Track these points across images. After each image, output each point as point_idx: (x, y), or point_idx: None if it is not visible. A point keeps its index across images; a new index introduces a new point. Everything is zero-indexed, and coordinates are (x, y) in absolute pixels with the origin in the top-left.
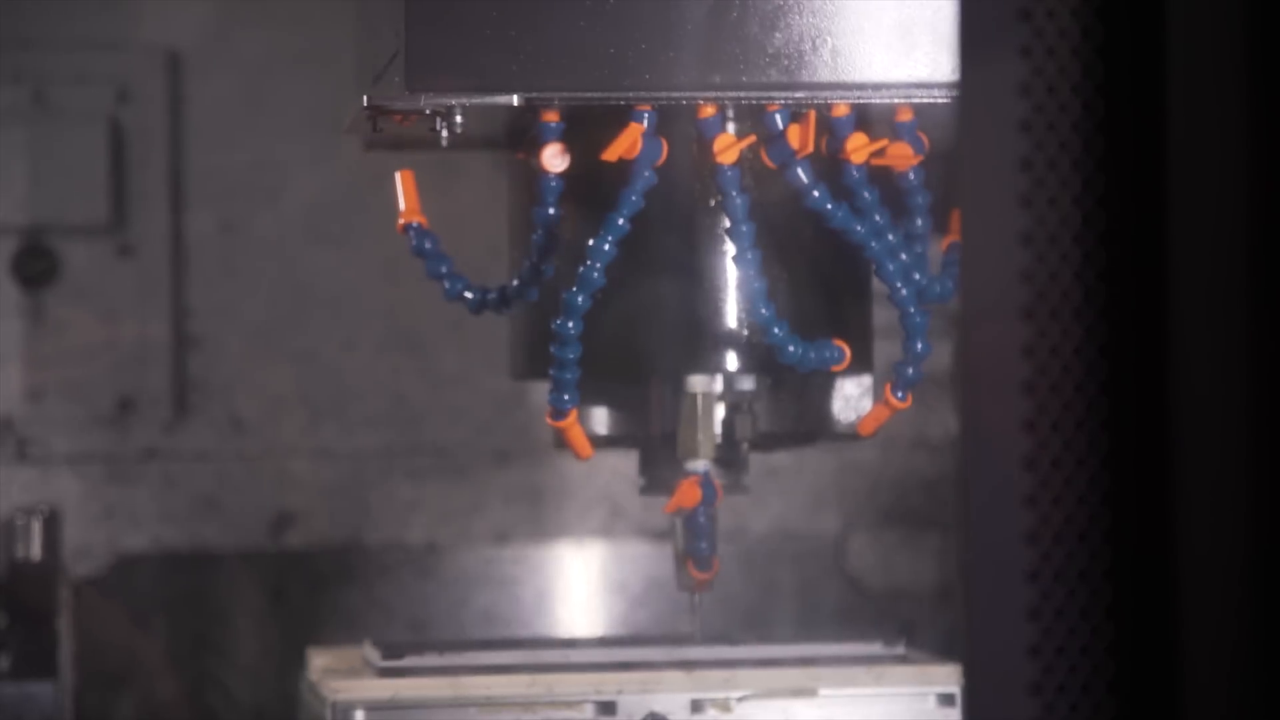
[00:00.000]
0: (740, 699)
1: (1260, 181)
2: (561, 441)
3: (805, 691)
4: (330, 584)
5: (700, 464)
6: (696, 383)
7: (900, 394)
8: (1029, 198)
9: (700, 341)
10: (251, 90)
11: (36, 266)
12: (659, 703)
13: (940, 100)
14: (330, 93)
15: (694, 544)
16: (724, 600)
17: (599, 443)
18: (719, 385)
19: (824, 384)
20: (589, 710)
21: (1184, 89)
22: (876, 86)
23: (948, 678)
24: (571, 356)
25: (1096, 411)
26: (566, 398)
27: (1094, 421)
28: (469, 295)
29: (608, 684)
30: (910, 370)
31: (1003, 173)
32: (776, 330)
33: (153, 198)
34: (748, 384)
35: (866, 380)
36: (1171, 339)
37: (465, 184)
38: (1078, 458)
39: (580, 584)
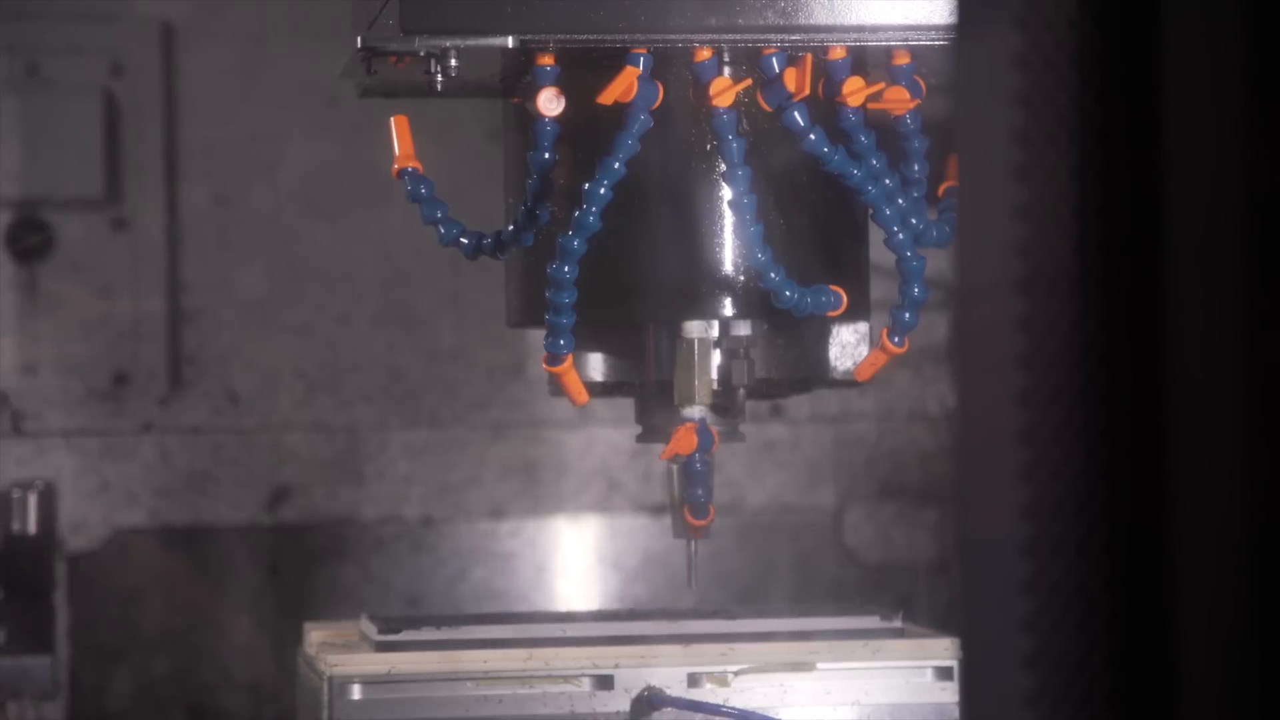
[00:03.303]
0: (738, 673)
1: (1257, 154)
2: (558, 388)
3: (803, 665)
4: (326, 558)
5: (696, 410)
6: (693, 328)
7: (897, 339)
8: (1025, 170)
9: (696, 287)
10: (245, 63)
11: (31, 240)
12: (656, 676)
13: (937, 43)
14: (324, 65)
15: (690, 491)
16: (721, 573)
17: (595, 389)
18: (715, 331)
19: (821, 329)
20: (586, 684)
21: (1180, 61)
22: (873, 29)
23: (945, 651)
24: (567, 301)
25: (1093, 386)
26: (562, 343)
27: (1091, 396)
28: (464, 240)
29: (605, 658)
30: (907, 315)
31: (999, 145)
32: (773, 275)
33: (147, 171)
34: (744, 329)
35: (863, 326)
36: (1169, 312)
37: (461, 129)
38: (1074, 432)
39: (576, 558)
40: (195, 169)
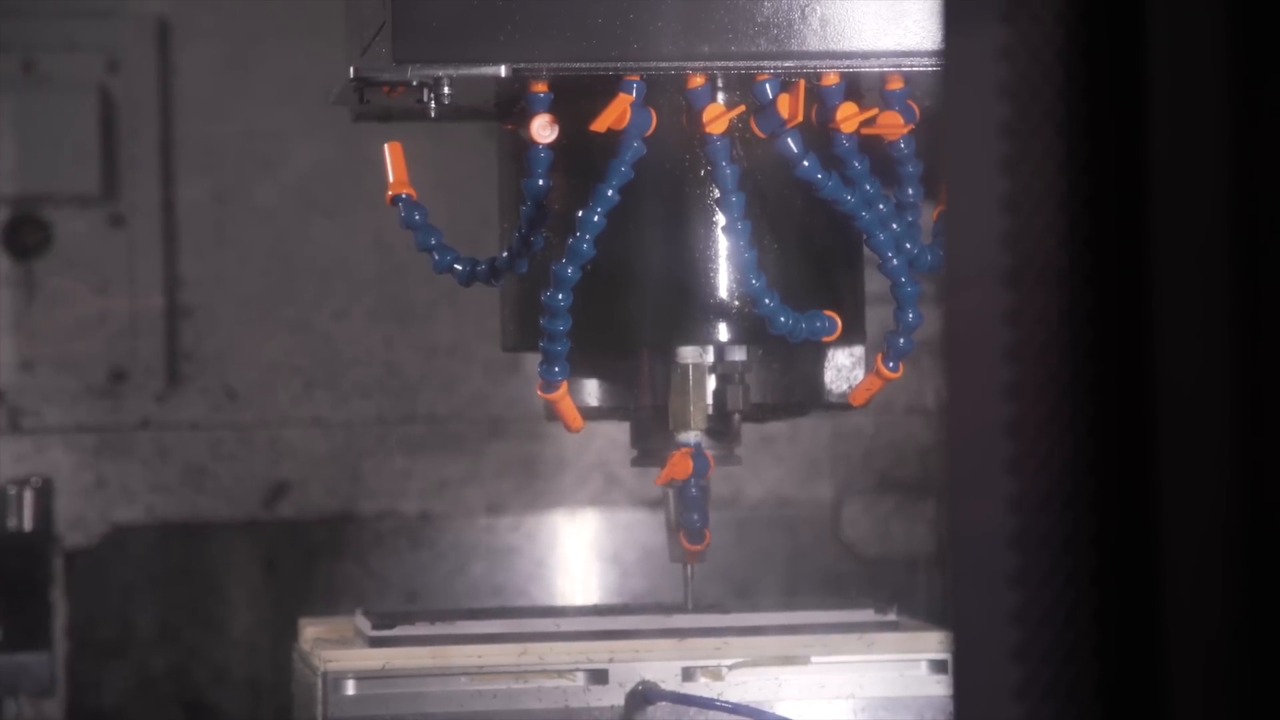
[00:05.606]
0: (731, 667)
1: (1241, 146)
2: (553, 414)
3: (797, 659)
4: (324, 554)
5: (692, 435)
6: (687, 354)
7: (892, 364)
8: (1012, 163)
9: (691, 312)
10: (242, 59)
11: (30, 238)
12: (650, 671)
13: (930, 68)
14: (321, 62)
15: (686, 516)
16: (719, 568)
17: (590, 415)
18: (710, 356)
19: (815, 354)
20: (580, 679)
21: (1167, 54)
22: (866, 55)
23: (939, 644)
24: (561, 328)
25: (1080, 378)
26: (557, 370)
27: (1078, 388)
28: (458, 267)
29: (599, 653)
30: (902, 340)
31: (986, 138)
32: (767, 301)
33: (144, 167)
34: (739, 355)
35: (858, 350)
36: (1155, 304)
37: (456, 154)
38: (1062, 425)
39: (574, 554)
40: (192, 165)
